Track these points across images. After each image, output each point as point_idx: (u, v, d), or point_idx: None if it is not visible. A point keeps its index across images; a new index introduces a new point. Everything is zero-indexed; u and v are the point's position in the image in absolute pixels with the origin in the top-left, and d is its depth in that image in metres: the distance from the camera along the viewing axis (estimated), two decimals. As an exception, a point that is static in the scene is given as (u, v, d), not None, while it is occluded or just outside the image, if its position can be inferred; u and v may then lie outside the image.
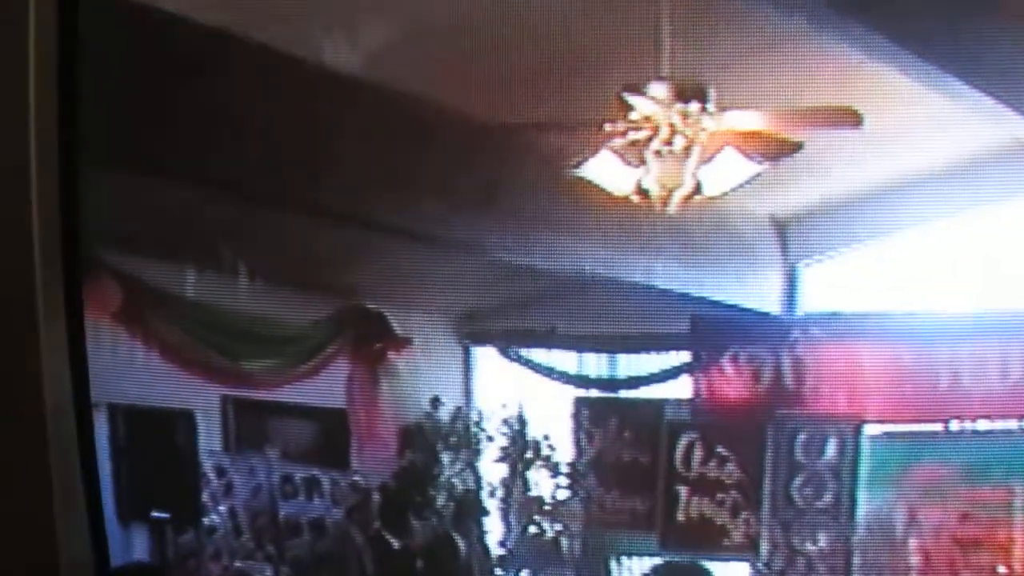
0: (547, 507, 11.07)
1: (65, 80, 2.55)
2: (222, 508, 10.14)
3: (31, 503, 2.44)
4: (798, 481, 10.41)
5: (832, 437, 10.42)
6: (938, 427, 10.22)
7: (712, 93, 8.39)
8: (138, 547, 9.51)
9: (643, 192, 8.66)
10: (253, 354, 10.68)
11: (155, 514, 9.52)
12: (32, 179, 2.65)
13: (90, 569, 2.63)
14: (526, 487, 11.31)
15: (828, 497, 10.31)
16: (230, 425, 10.63)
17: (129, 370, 9.64)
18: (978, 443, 9.98)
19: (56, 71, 2.54)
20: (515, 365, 11.81)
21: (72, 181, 2.72)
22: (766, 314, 11.15)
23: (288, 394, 10.93)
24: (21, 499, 2.50)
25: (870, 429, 10.45)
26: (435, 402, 11.63)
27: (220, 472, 10.28)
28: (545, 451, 11.35)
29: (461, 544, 10.37)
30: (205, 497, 9.93)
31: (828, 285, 10.96)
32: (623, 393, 11.51)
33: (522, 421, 11.50)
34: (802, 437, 10.48)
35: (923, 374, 10.23)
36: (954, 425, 10.16)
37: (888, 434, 10.43)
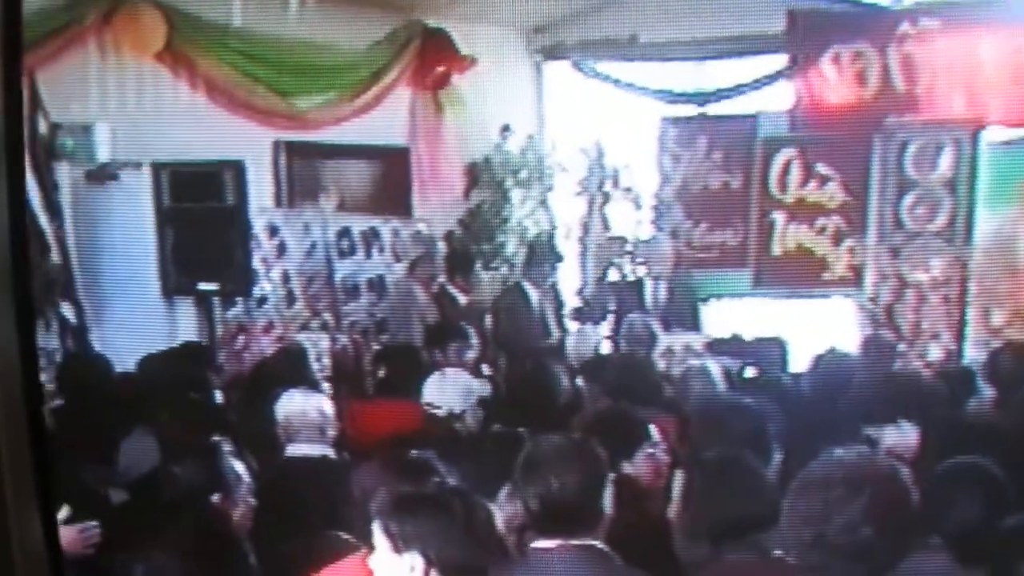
0: (629, 247, 10.80)
1: None
2: (274, 274, 10.17)
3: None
4: (908, 200, 9.93)
5: (947, 146, 9.86)
6: (1069, 128, 9.59)
7: None
8: (183, 326, 9.50)
9: None
10: (306, 87, 10.56)
11: (202, 286, 9.45)
12: None
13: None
14: (605, 226, 11.05)
15: (942, 217, 9.84)
16: (282, 174, 10.54)
17: (174, 120, 9.62)
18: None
19: None
20: (592, 82, 11.40)
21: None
22: (871, 4, 10.42)
23: (344, 133, 10.77)
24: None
25: (990, 135, 9.84)
26: (504, 131, 11.38)
27: (272, 231, 10.29)
28: (625, 181, 11.01)
29: (533, 295, 10.14)
30: (256, 262, 9.85)
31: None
32: (712, 108, 11.02)
33: (600, 148, 11.15)
34: (913, 148, 9.94)
35: (1053, 66, 9.56)
36: (1086, 125, 9.51)
37: (1011, 140, 9.81)
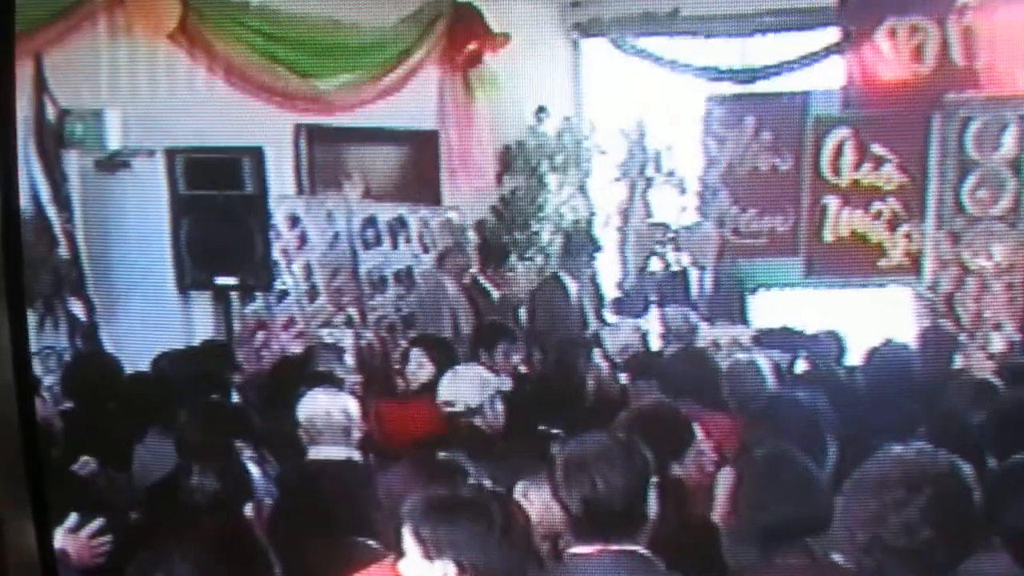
0: (671, 235, 10.76)
1: None
2: (295, 267, 10.17)
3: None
4: (970, 182, 9.89)
5: (1011, 124, 9.82)
6: None
7: None
8: (199, 323, 9.54)
9: None
10: (329, 68, 10.57)
11: (219, 280, 9.48)
12: None
13: None
14: (647, 212, 11.03)
15: (1006, 200, 9.79)
16: (303, 161, 10.54)
17: (189, 104, 9.64)
18: None
19: None
20: (632, 60, 11.37)
21: None
22: (928, -25, 10.37)
23: (369, 116, 10.75)
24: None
25: (1058, 112, 9.77)
26: (539, 112, 11.36)
27: (293, 221, 10.31)
28: (668, 165, 10.98)
29: (571, 286, 10.13)
30: (276, 254, 9.85)
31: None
32: (759, 85, 10.96)
33: (641, 129, 11.12)
34: (975, 127, 9.90)
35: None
36: None
37: (1080, 115, 9.75)
